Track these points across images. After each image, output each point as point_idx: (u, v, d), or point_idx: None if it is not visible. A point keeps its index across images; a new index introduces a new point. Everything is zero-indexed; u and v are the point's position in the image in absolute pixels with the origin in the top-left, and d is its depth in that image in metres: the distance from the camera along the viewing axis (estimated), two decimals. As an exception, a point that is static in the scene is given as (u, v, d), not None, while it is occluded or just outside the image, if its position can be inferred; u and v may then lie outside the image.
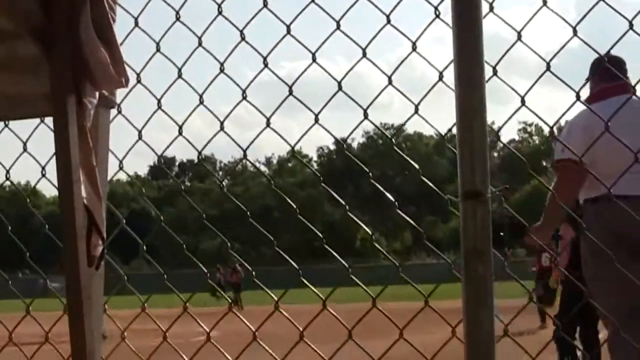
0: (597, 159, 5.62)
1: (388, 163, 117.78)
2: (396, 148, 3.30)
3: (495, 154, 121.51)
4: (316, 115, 2.96)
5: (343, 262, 3.15)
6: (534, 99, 2.50)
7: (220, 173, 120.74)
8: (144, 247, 3.66)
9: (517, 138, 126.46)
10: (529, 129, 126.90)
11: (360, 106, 2.83)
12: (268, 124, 3.14)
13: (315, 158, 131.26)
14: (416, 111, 2.50)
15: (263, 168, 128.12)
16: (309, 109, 3.02)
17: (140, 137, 3.53)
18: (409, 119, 2.67)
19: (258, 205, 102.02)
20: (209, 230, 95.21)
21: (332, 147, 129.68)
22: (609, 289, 5.74)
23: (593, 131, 5.52)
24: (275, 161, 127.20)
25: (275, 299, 3.19)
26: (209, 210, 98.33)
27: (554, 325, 7.98)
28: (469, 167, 2.02)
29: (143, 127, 3.51)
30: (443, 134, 2.49)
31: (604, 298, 5.82)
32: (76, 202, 2.83)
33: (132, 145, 3.57)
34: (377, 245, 3.78)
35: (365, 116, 2.81)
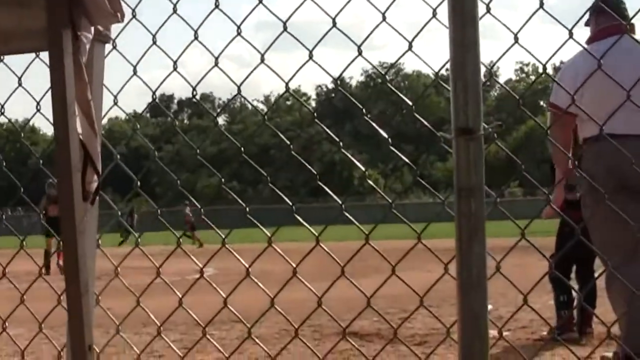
0: (587, 99, 5.64)
1: (386, 102, 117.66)
2: (389, 85, 3.28)
3: (494, 94, 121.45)
4: (310, 52, 2.95)
5: (336, 197, 3.13)
6: (533, 38, 2.49)
7: (218, 111, 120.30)
8: (138, 183, 3.64)
9: (514, 78, 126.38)
10: (525, 69, 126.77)
11: (354, 42, 2.82)
12: (262, 60, 3.12)
13: (314, 96, 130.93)
14: (410, 47, 2.48)
15: (261, 107, 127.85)
16: (303, 44, 3.01)
17: (135, 73, 3.50)
18: (402, 55, 2.65)
19: (256, 144, 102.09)
20: (208, 169, 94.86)
21: (331, 86, 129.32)
22: (607, 227, 5.77)
23: (582, 72, 5.54)
24: (273, 100, 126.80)
25: (268, 234, 3.19)
26: (207, 149, 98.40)
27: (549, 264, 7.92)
28: (462, 103, 2.02)
29: (138, 62, 3.48)
30: (436, 70, 2.47)
31: (602, 236, 5.85)
32: (71, 136, 2.81)
33: (127, 81, 3.55)
34: (370, 181, 3.74)
35: (360, 52, 2.79)
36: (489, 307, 7.15)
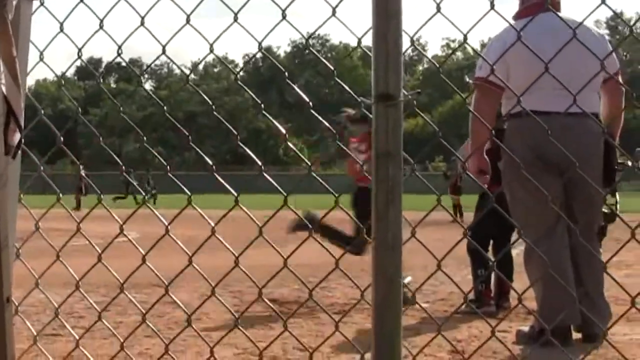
0: (511, 75, 5.71)
1: (312, 73, 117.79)
2: (312, 50, 3.27)
3: (421, 68, 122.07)
4: (235, 14, 2.92)
5: (256, 159, 3.11)
6: (459, 11, 2.49)
7: (144, 74, 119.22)
8: (62, 139, 3.59)
9: (440, 53, 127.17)
10: (452, 45, 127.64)
11: (279, 6, 2.80)
12: (188, 21, 3.09)
13: (241, 64, 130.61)
14: (333, 14, 2.46)
15: (188, 72, 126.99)
16: (228, 6, 2.98)
17: (61, 30, 3.44)
18: (325, 21, 2.63)
19: (183, 111, 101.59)
20: (134, 134, 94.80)
21: (259, 55, 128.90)
22: (526, 202, 5.85)
23: (507, 48, 5.59)
24: (201, 67, 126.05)
25: (235, 195, 3.17)
26: (134, 113, 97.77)
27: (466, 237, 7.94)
28: (383, 69, 2.02)
29: (64, 19, 3.42)
30: (359, 37, 2.46)
31: (521, 211, 5.93)
32: None
33: (54, 37, 3.49)
34: (290, 144, 3.66)
35: (284, 17, 2.78)
36: (408, 278, 7.20)
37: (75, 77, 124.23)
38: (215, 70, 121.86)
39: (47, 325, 5.24)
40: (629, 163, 6.10)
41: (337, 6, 2.44)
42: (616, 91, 6.17)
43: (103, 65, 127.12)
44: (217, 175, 3.20)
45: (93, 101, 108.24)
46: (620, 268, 10.79)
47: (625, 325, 6.22)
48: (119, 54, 3.39)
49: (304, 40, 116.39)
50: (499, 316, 7.36)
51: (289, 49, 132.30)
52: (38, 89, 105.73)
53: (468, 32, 2.52)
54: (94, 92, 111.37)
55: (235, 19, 2.92)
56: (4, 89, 2.86)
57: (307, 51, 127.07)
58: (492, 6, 2.39)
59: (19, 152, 3.05)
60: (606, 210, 6.05)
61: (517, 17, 6.10)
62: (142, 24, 3.22)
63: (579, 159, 5.69)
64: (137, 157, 78.72)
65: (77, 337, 3.74)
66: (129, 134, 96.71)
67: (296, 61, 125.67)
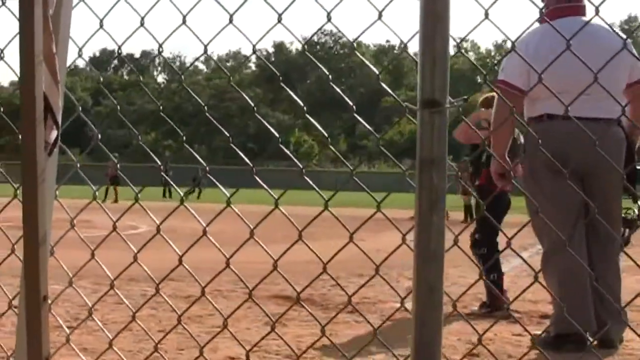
0: (532, 81, 5.66)
1: (325, 69, 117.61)
2: (359, 53, 3.22)
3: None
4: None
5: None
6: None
7: (159, 68, 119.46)
8: (99, 136, 3.56)
9: (451, 53, 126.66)
10: (464, 45, 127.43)
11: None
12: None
13: (253, 59, 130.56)
14: (380, 17, 2.41)
15: (201, 66, 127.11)
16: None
17: (101, 26, 3.39)
18: (372, 24, 2.57)
19: (195, 103, 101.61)
20: (145, 125, 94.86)
21: (272, 50, 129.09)
22: (544, 208, 5.80)
23: (542, 51, 5.53)
24: (213, 62, 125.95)
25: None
26: (146, 105, 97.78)
27: (471, 242, 8.01)
28: (429, 75, 1.97)
29: (105, 16, 3.37)
30: (405, 41, 2.41)
31: (538, 217, 5.88)
32: (37, 87, 2.73)
33: (93, 34, 3.44)
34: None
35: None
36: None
37: (88, 68, 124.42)
38: (228, 64, 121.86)
39: (62, 318, 5.21)
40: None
41: (383, 10, 2.39)
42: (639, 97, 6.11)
43: (114, 56, 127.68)
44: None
45: (103, 93, 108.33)
46: (634, 273, 10.68)
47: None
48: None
49: (315, 37, 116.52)
50: (512, 320, 7.33)
51: (300, 46, 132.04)
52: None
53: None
54: (107, 83, 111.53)
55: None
56: (43, 86, 2.82)
57: (318, 47, 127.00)
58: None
59: (56, 149, 3.01)
60: (628, 217, 6.01)
61: (543, 19, 6.04)
62: (142, 24, 3.20)
63: (602, 165, 5.68)
64: (146, 150, 78.33)
65: (111, 337, 3.68)
66: (138, 126, 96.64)
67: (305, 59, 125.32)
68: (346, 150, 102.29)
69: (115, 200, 37.47)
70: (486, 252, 7.71)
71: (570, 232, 5.75)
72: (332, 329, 6.79)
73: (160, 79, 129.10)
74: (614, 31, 6.10)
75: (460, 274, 10.22)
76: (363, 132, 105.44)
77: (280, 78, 3.14)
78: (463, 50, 2.58)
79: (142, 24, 3.25)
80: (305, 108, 2.76)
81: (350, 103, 2.61)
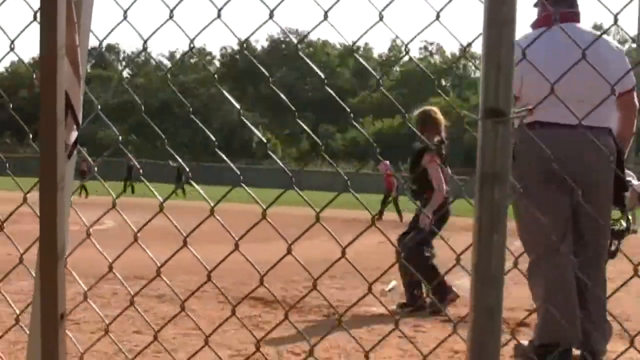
0: (525, 85, 5.55)
1: (290, 69, 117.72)
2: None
3: (397, 69, 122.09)
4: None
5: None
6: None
7: (123, 63, 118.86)
8: (120, 137, 3.40)
9: (418, 55, 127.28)
10: (429, 48, 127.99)
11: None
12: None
13: (218, 57, 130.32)
14: (437, 17, 2.25)
15: (165, 62, 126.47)
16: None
17: (125, 18, 3.20)
18: (428, 25, 2.40)
19: (159, 99, 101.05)
20: (110, 120, 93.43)
21: (236, 48, 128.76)
22: (532, 217, 5.69)
23: (529, 56, 5.41)
24: (178, 56, 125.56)
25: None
26: (109, 100, 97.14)
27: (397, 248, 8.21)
28: (494, 83, 1.82)
29: (129, 7, 3.19)
30: (465, 44, 2.26)
31: (526, 226, 5.77)
32: (59, 83, 2.49)
33: (116, 26, 3.24)
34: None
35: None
36: (393, 282, 7.10)
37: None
38: (192, 61, 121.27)
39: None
40: (635, 182, 5.97)
41: (441, 10, 2.24)
42: (630, 106, 6.02)
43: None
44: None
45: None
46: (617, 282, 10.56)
47: (622, 343, 6.09)
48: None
49: (281, 36, 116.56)
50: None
51: (266, 44, 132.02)
52: (15, 70, 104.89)
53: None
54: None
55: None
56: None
57: (283, 46, 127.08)
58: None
59: (75, 151, 2.79)
60: (616, 228, 5.91)
61: (535, 25, 5.94)
62: (125, 18, 3.05)
63: (592, 173, 5.59)
64: (110, 144, 78.08)
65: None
66: (100, 120, 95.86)
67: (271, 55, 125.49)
68: (309, 149, 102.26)
69: (86, 196, 37.40)
70: (411, 254, 8.06)
71: (558, 241, 5.65)
72: (312, 332, 6.67)
73: (125, 73, 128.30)
74: (608, 41, 5.99)
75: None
76: (327, 131, 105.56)
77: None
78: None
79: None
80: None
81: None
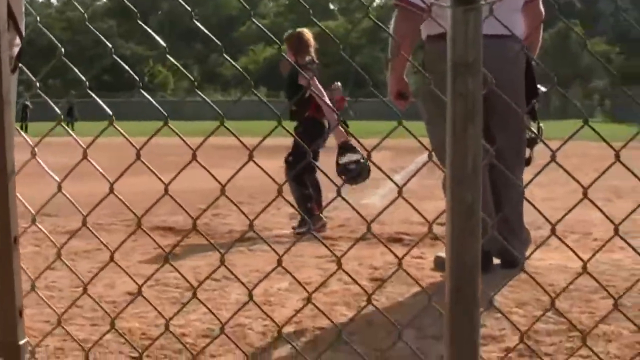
0: None
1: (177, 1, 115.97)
2: None
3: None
4: None
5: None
6: None
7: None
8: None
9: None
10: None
11: None
12: None
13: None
14: None
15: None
16: None
17: None
18: None
19: (47, 38, 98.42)
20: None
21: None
22: (441, 126, 5.60)
23: None
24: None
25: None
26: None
27: (286, 166, 8.24)
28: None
29: None
30: None
31: (439, 140, 5.70)
32: None
33: None
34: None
35: None
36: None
37: None
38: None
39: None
40: (543, 88, 5.92)
41: None
42: (537, 15, 5.97)
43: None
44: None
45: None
46: (537, 194, 10.60)
47: (540, 251, 6.07)
48: None
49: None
50: (405, 243, 7.23)
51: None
52: None
53: None
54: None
55: None
56: None
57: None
58: None
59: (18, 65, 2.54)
60: (528, 136, 5.88)
61: None
62: None
63: (499, 78, 5.49)
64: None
65: None
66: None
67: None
68: (201, 80, 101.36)
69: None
70: (296, 174, 8.11)
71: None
72: (228, 258, 6.52)
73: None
74: None
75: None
76: (216, 61, 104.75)
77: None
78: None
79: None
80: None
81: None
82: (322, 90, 8.40)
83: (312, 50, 8.47)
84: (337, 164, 7.85)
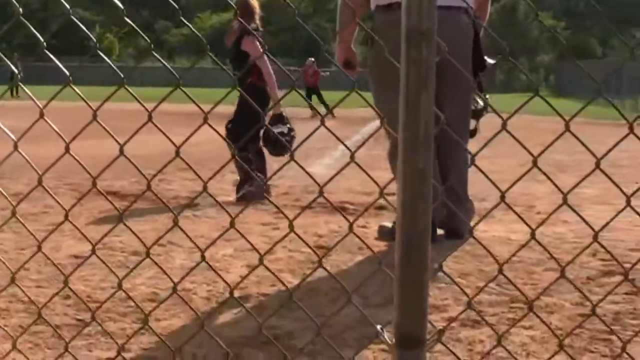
0: None
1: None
2: None
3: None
4: None
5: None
6: None
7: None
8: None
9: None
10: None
11: None
12: None
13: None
14: None
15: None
16: None
17: None
18: None
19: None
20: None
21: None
22: (388, 97, 5.61)
23: None
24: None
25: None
26: None
27: (226, 132, 8.17)
28: None
29: None
30: None
31: (383, 106, 5.69)
32: None
33: None
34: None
35: None
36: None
37: None
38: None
39: None
40: (491, 61, 5.94)
41: None
42: None
43: None
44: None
45: None
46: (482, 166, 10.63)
47: (483, 223, 6.11)
48: None
49: None
50: (350, 212, 7.23)
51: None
52: None
53: None
54: None
55: None
56: None
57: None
58: None
59: None
60: (473, 107, 5.90)
61: None
62: None
63: (450, 49, 5.47)
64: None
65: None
66: None
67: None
68: (147, 46, 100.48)
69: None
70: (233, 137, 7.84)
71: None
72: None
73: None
74: None
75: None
76: (164, 27, 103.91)
77: None
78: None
79: None
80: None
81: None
82: (265, 57, 8.37)
83: (257, 17, 8.42)
84: (264, 134, 7.91)
